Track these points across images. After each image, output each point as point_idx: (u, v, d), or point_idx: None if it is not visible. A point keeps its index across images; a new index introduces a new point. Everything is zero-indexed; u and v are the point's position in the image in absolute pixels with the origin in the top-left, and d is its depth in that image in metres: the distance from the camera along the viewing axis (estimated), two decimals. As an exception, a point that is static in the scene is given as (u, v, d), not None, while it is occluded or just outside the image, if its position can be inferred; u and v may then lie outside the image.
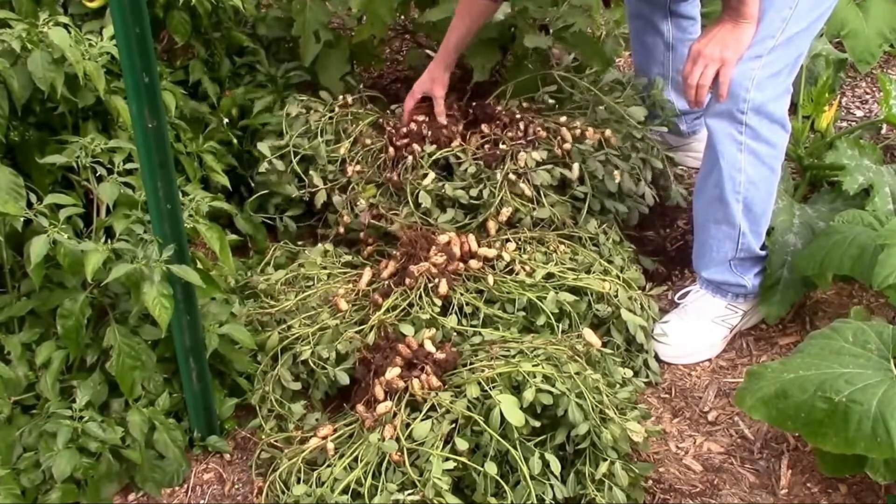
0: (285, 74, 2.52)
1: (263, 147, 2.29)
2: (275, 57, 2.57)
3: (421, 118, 2.32)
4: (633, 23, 2.47)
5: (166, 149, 1.48)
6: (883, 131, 2.77)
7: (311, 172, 2.28)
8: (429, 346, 1.77)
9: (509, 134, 2.23)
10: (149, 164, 1.48)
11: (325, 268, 2.12)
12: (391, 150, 2.27)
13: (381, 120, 2.40)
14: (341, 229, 2.23)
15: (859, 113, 2.91)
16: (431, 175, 2.17)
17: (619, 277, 2.02)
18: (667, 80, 2.43)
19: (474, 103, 2.38)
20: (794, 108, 2.24)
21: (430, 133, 2.27)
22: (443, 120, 2.30)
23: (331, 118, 2.37)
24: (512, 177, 2.13)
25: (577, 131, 2.23)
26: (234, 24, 2.48)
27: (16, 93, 1.73)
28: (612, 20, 2.76)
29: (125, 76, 1.40)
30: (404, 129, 2.30)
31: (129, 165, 1.76)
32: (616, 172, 2.18)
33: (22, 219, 1.63)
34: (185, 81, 2.33)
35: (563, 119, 2.28)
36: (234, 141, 2.33)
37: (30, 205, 1.63)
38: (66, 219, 1.63)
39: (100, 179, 1.73)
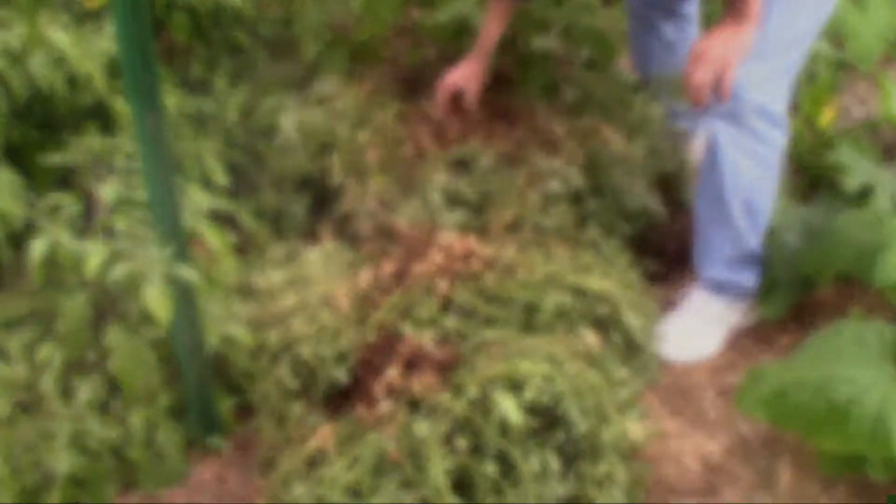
0: (286, 74, 2.52)
1: (286, 120, 2.27)
2: (275, 57, 2.58)
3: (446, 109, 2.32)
4: (632, 23, 2.47)
5: (166, 148, 1.48)
6: (883, 131, 2.77)
7: (328, 154, 2.27)
8: (429, 346, 1.78)
9: (521, 133, 2.23)
10: (149, 163, 1.48)
11: (325, 267, 2.12)
12: (409, 138, 2.26)
13: (404, 108, 2.39)
14: (348, 215, 2.22)
15: (859, 113, 2.91)
16: (443, 172, 2.16)
17: (619, 277, 2.02)
18: (666, 81, 2.43)
19: (497, 98, 2.37)
20: (794, 108, 2.24)
21: (452, 126, 2.27)
22: (470, 111, 2.31)
23: (355, 104, 2.36)
24: (523, 179, 2.12)
25: (599, 136, 2.21)
26: (234, 23, 2.48)
27: (16, 93, 1.73)
28: (613, 19, 2.76)
29: (125, 76, 1.40)
30: (426, 118, 2.29)
31: (129, 165, 1.76)
32: (635, 184, 2.16)
33: (22, 219, 1.64)
34: (185, 81, 2.33)
35: (585, 122, 2.26)
36: (239, 138, 2.33)
37: (30, 205, 1.63)
38: (66, 219, 1.63)
39: (100, 179, 1.73)
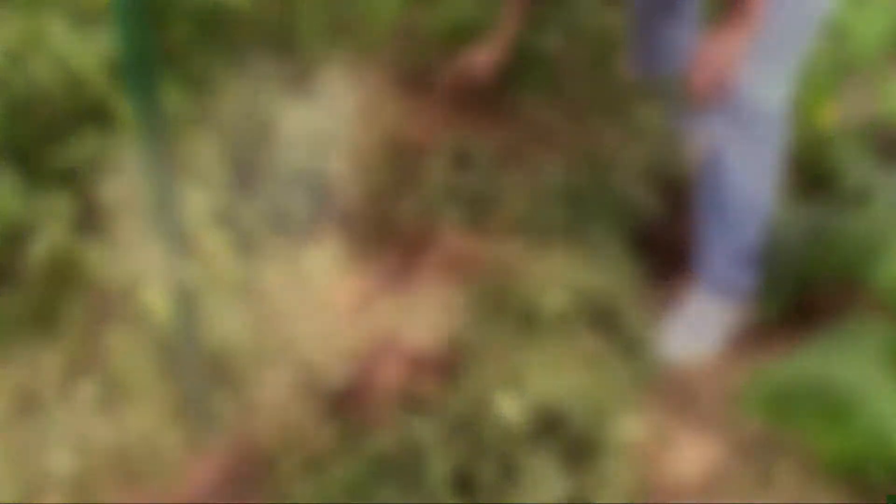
0: (286, 73, 2.52)
1: (286, 119, 2.28)
2: (275, 56, 2.57)
3: (445, 106, 2.32)
4: (632, 23, 2.47)
5: (166, 148, 1.48)
6: (883, 131, 2.76)
7: (328, 153, 2.27)
8: (429, 346, 1.78)
9: (521, 132, 2.23)
10: (149, 163, 1.48)
11: (325, 266, 2.12)
12: (410, 137, 2.27)
13: (404, 107, 2.40)
14: (348, 214, 2.23)
15: (859, 113, 2.91)
16: (443, 170, 2.16)
17: (619, 277, 2.02)
18: (666, 81, 2.43)
19: (497, 97, 2.37)
20: (794, 108, 2.25)
21: (451, 121, 2.27)
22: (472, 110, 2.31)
23: (355, 103, 2.36)
24: (522, 177, 2.12)
25: (599, 136, 2.21)
26: (234, 22, 2.48)
27: (16, 93, 1.73)
28: (613, 19, 2.76)
29: (125, 76, 1.40)
30: (428, 114, 2.30)
31: (128, 165, 1.76)
32: (635, 184, 2.17)
33: (22, 219, 1.64)
34: (185, 81, 2.33)
35: (585, 122, 2.26)
36: (239, 137, 2.33)
37: (30, 205, 1.64)
38: (67, 219, 1.63)
39: (100, 179, 1.73)
